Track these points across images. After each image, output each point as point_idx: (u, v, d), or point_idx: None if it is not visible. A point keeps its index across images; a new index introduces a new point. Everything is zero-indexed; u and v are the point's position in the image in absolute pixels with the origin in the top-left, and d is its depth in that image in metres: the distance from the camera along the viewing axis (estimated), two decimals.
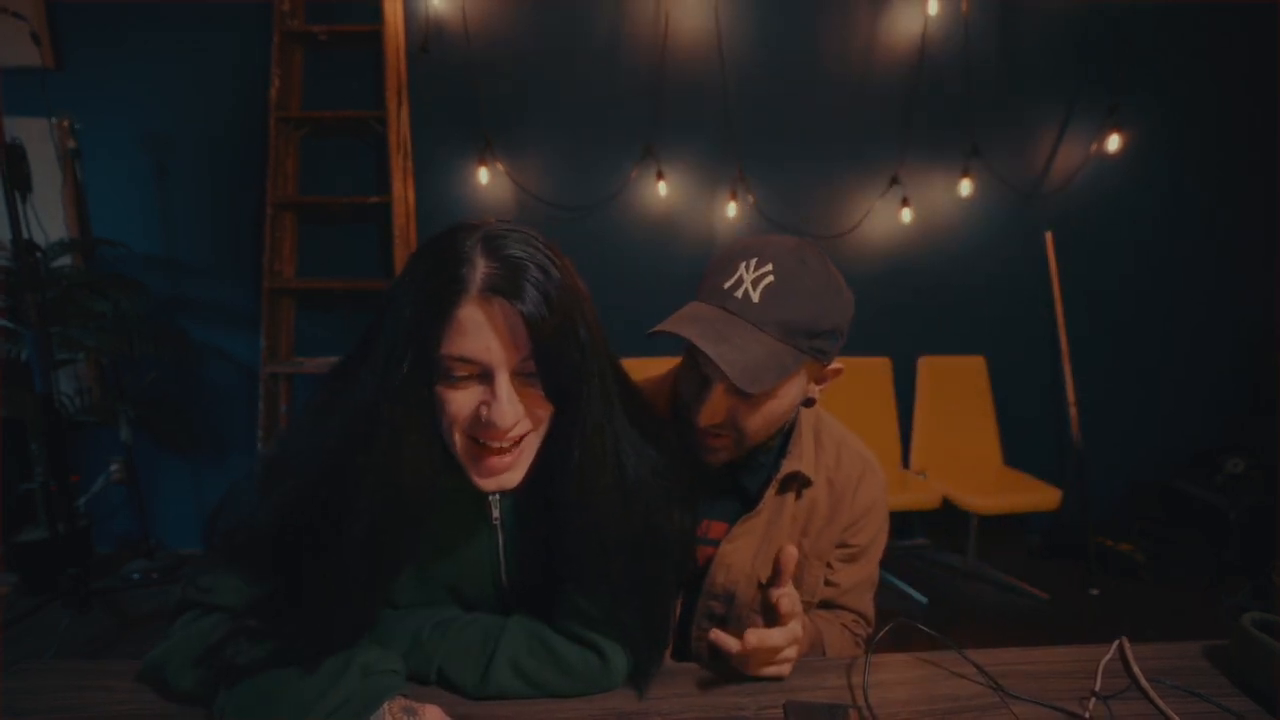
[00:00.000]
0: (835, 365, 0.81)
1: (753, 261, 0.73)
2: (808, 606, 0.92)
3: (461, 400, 0.61)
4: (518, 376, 0.61)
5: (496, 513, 0.73)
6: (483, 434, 0.61)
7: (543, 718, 0.67)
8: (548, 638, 0.71)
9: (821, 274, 0.74)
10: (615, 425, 0.68)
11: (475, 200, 2.64)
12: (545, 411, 0.64)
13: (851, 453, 0.92)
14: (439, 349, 0.58)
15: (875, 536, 0.94)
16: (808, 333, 0.72)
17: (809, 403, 0.84)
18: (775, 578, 0.72)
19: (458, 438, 0.63)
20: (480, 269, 0.58)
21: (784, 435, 0.89)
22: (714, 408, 0.75)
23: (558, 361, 0.60)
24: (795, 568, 0.79)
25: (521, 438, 0.63)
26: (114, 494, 2.70)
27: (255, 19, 2.48)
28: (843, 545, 0.92)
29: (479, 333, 0.58)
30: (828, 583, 0.93)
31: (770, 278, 0.71)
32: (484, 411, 0.60)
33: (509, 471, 0.64)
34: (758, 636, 0.68)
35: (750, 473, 0.88)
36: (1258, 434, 2.75)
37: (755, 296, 0.71)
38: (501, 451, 0.62)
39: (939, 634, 0.77)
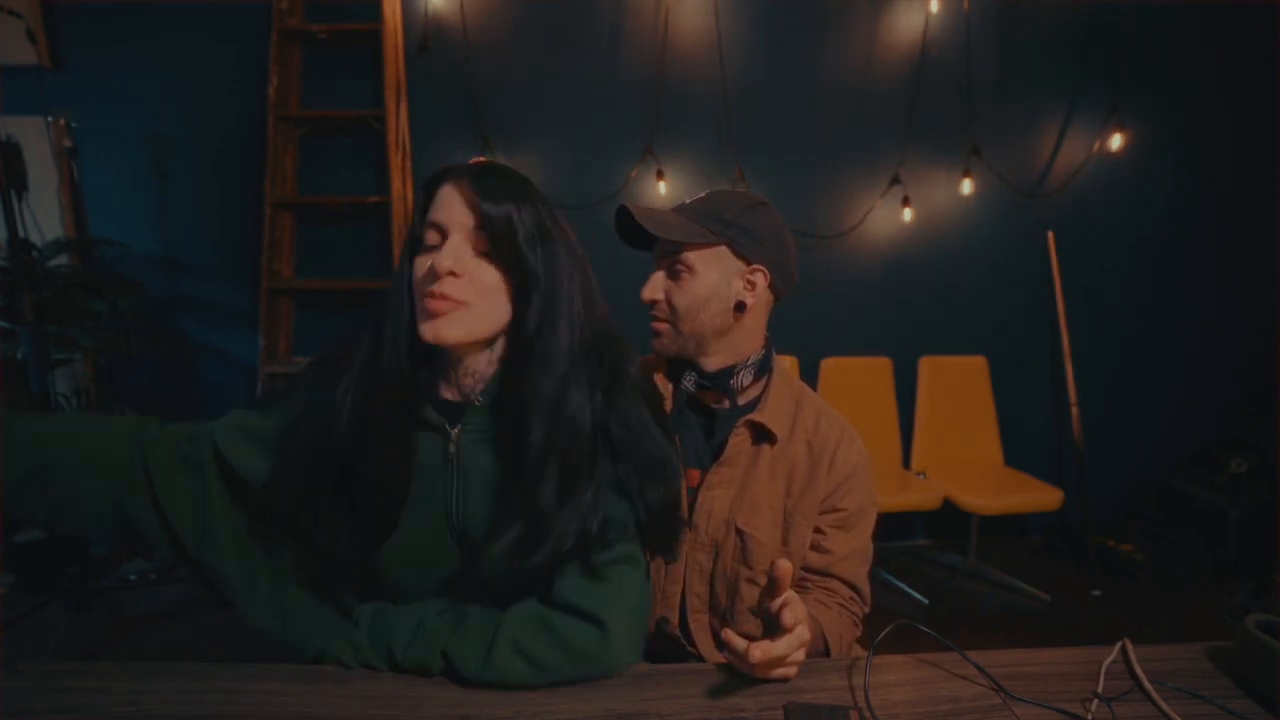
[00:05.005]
0: (757, 266, 0.93)
1: (700, 193, 0.98)
2: (796, 568, 0.96)
3: (423, 264, 0.73)
4: (473, 251, 0.73)
5: (453, 448, 0.77)
6: (429, 284, 0.71)
7: (543, 717, 0.67)
8: (547, 615, 0.74)
9: (745, 194, 0.97)
10: (580, 346, 0.77)
11: None
12: (489, 282, 0.73)
13: (831, 419, 0.99)
14: (425, 218, 0.74)
15: (864, 505, 0.98)
16: (718, 219, 0.91)
17: (740, 307, 0.92)
18: (773, 588, 0.72)
19: (420, 304, 0.73)
20: (458, 168, 0.75)
21: (756, 395, 0.98)
22: (654, 284, 0.95)
23: (504, 243, 0.72)
24: (782, 527, 0.94)
25: (461, 303, 0.72)
26: None
27: (254, 17, 2.47)
28: (833, 510, 0.96)
29: (447, 200, 0.73)
30: (823, 549, 0.96)
31: (703, 194, 0.97)
32: (432, 264, 0.71)
33: (443, 317, 0.71)
34: (762, 650, 0.69)
35: (724, 423, 0.97)
36: (1260, 433, 2.74)
37: (688, 202, 0.96)
38: (441, 298, 0.71)
39: (940, 635, 0.77)
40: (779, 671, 0.73)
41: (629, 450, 0.77)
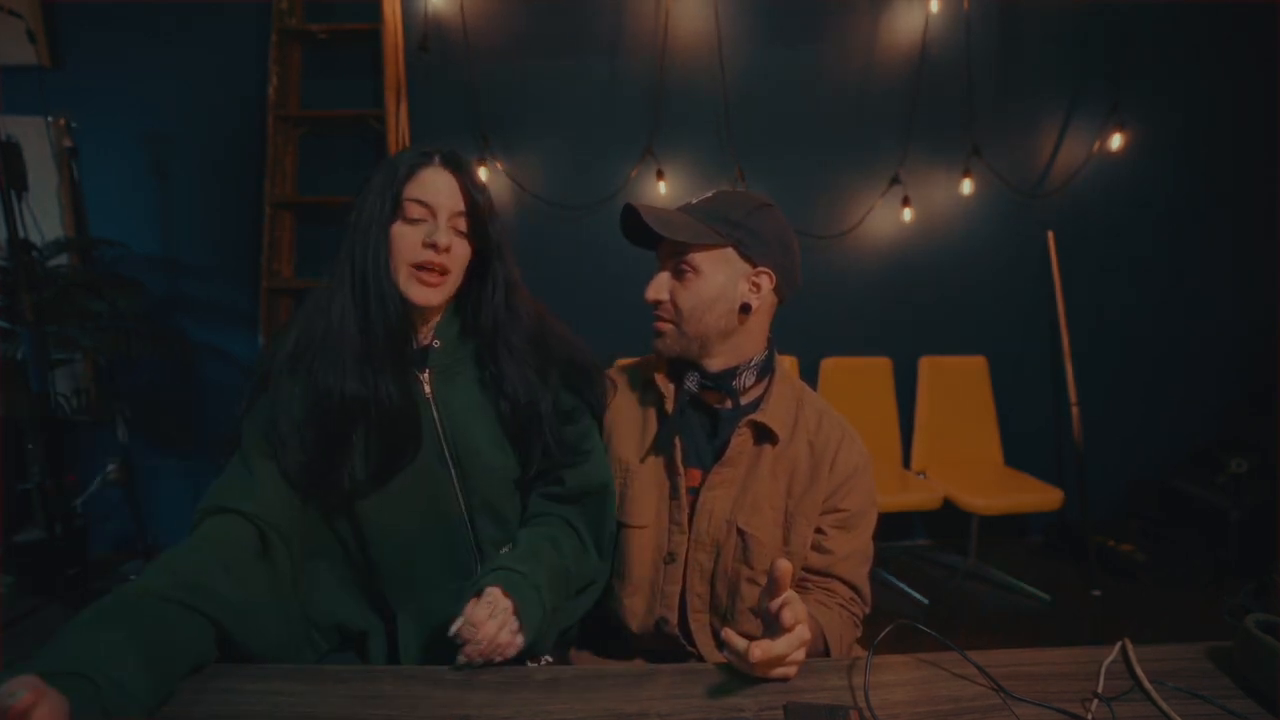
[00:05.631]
0: (763, 269, 0.92)
1: (705, 193, 0.97)
2: (797, 569, 0.96)
3: (411, 235, 0.84)
4: (453, 229, 0.87)
5: (428, 389, 0.90)
6: (424, 257, 0.84)
7: (542, 717, 0.67)
8: (569, 512, 0.94)
9: (751, 195, 0.96)
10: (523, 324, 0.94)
11: None
12: (464, 255, 0.88)
13: (832, 420, 0.99)
14: (402, 193, 0.84)
15: (865, 505, 0.97)
16: (725, 220, 0.90)
17: (745, 308, 0.92)
18: (772, 587, 0.72)
19: (404, 271, 0.85)
20: (441, 155, 0.88)
21: (758, 396, 0.98)
22: (658, 284, 0.94)
23: (479, 225, 0.88)
24: (783, 527, 0.95)
25: (449, 272, 0.87)
26: (111, 494, 2.69)
27: (253, 17, 2.47)
28: (834, 510, 0.96)
29: (434, 182, 0.86)
30: (824, 550, 0.96)
31: (709, 194, 0.96)
32: (428, 238, 0.84)
33: (436, 288, 0.86)
34: (762, 649, 0.69)
35: (727, 424, 0.97)
36: (1260, 433, 2.74)
37: (694, 202, 0.96)
38: (433, 271, 0.85)
39: (940, 635, 0.77)
40: (779, 671, 0.73)
41: (562, 351, 0.96)
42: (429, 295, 0.85)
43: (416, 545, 0.89)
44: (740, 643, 0.70)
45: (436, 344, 0.91)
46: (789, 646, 0.70)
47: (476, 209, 0.87)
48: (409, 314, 0.88)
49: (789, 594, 0.72)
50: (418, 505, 0.88)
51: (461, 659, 0.73)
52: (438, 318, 0.92)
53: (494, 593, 0.76)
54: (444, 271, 0.86)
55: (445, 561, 0.91)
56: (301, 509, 0.84)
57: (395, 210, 0.84)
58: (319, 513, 0.87)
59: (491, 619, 0.74)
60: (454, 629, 0.73)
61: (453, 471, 0.90)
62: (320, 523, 0.87)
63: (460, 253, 0.88)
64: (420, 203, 0.84)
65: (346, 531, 0.88)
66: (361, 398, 0.82)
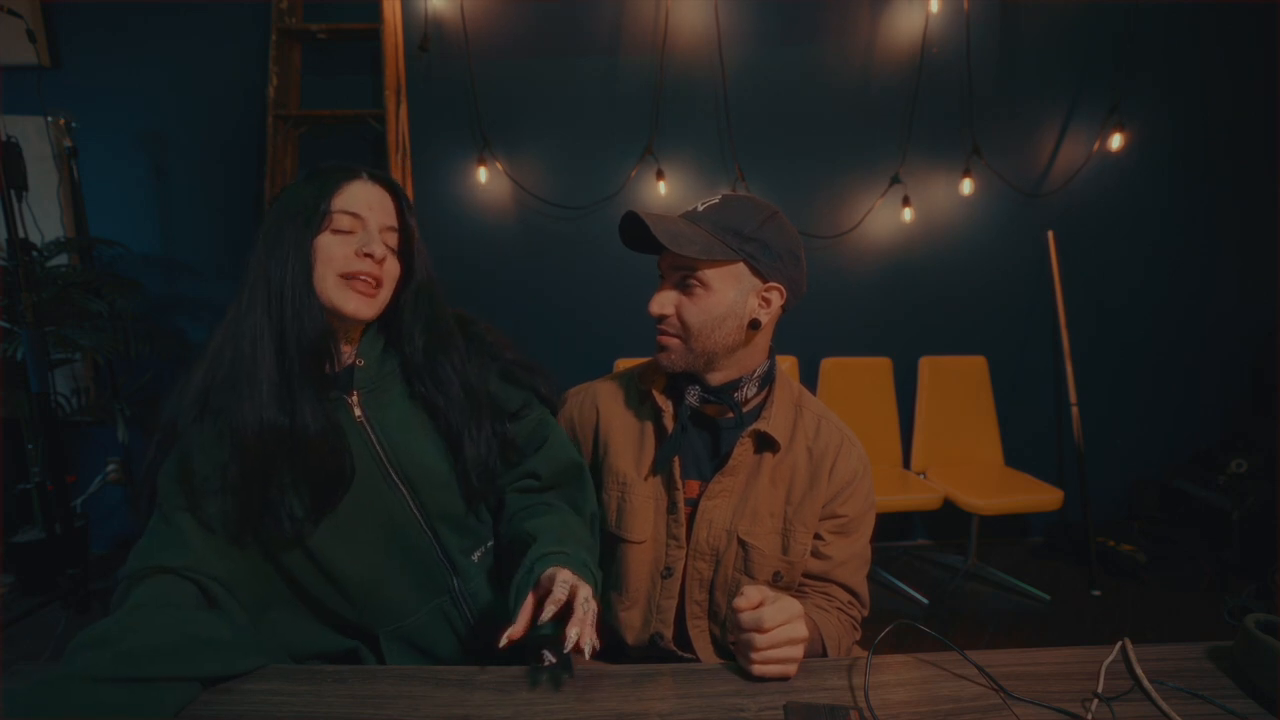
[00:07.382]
0: (774, 284, 0.88)
1: (709, 198, 0.92)
2: (797, 576, 0.96)
3: (340, 245, 0.80)
4: (384, 243, 0.83)
5: (359, 411, 0.85)
6: (357, 268, 0.80)
7: (542, 717, 0.67)
8: (548, 499, 0.93)
9: (759, 203, 0.90)
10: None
11: (474, 199, 2.64)
12: (394, 271, 0.86)
13: (831, 425, 0.97)
14: (330, 205, 0.80)
15: (864, 510, 0.97)
16: (735, 233, 0.86)
17: (754, 324, 0.89)
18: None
19: (331, 280, 0.80)
20: (368, 172, 0.85)
21: (759, 404, 0.96)
22: (663, 299, 0.89)
23: (408, 239, 0.87)
24: (782, 534, 0.94)
25: (382, 284, 0.83)
26: (111, 494, 2.70)
27: (253, 17, 2.47)
28: (833, 516, 0.95)
29: (365, 196, 0.83)
30: (822, 555, 0.96)
31: (715, 200, 0.90)
32: (361, 247, 0.80)
33: (372, 297, 0.82)
34: (751, 614, 0.72)
35: (728, 435, 0.95)
36: (1262, 433, 2.74)
37: (700, 209, 0.90)
38: (373, 281, 0.82)
39: (940, 635, 0.76)
40: (776, 669, 0.73)
41: (495, 356, 0.95)
42: (363, 306, 0.81)
43: (385, 570, 0.85)
44: (742, 600, 0.73)
45: (360, 363, 0.86)
46: (777, 615, 0.72)
47: (408, 229, 0.86)
48: (331, 332, 0.82)
49: (768, 594, 0.74)
50: (376, 530, 0.85)
51: (588, 644, 0.66)
52: (360, 337, 0.88)
53: (564, 572, 0.72)
54: (378, 283, 0.82)
55: (418, 580, 0.88)
56: (241, 558, 0.79)
57: (322, 222, 0.80)
58: (266, 561, 0.81)
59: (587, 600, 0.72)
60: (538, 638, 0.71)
61: (404, 489, 0.86)
62: (271, 574, 0.82)
63: (392, 269, 0.85)
64: (350, 214, 0.81)
65: (305, 572, 0.82)
66: (281, 426, 0.76)
